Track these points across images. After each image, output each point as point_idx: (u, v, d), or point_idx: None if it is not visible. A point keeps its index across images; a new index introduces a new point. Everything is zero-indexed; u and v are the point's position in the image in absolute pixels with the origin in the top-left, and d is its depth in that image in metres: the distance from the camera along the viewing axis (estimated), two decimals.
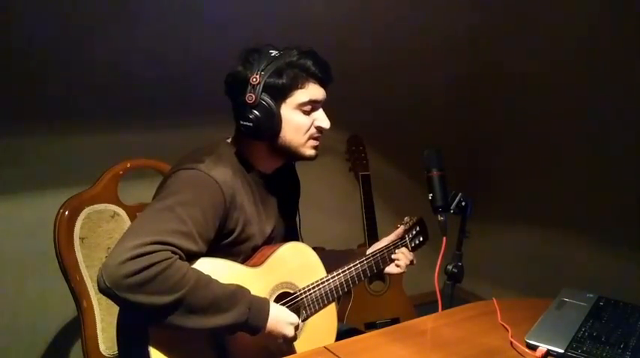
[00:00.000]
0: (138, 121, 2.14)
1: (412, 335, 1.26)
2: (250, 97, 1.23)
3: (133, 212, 1.51)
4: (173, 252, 1.08)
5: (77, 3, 1.94)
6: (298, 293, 1.33)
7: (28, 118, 1.94)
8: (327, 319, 1.41)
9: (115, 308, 1.33)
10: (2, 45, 1.86)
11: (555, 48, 2.62)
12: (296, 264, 1.36)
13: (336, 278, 1.40)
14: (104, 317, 1.42)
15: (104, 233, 1.46)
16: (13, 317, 1.99)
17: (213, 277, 1.14)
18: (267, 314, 1.17)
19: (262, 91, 1.24)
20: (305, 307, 1.33)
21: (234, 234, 1.26)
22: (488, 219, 2.76)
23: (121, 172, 1.51)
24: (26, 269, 1.98)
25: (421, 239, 1.60)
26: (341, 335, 1.43)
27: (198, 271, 1.12)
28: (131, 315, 1.15)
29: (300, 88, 1.27)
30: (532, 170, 2.82)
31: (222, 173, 1.23)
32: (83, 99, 2.03)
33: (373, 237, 2.30)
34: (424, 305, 2.24)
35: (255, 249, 1.33)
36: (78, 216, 1.41)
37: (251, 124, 1.24)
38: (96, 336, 1.41)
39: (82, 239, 1.41)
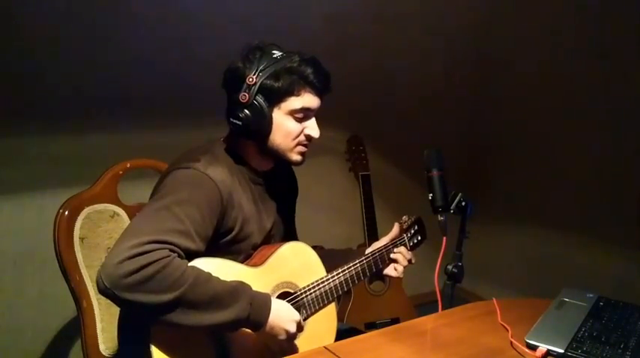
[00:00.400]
0: (138, 121, 2.14)
1: (412, 335, 1.26)
2: (244, 96, 1.24)
3: (132, 212, 1.51)
4: (171, 251, 1.08)
5: (77, 3, 1.94)
6: (299, 293, 1.33)
7: (28, 118, 1.94)
8: (327, 319, 1.41)
9: (115, 308, 1.33)
10: (2, 45, 1.85)
11: (556, 48, 2.62)
12: (296, 263, 1.37)
13: (336, 277, 1.40)
14: (104, 317, 1.42)
15: (104, 233, 1.46)
16: (13, 317, 1.98)
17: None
18: (269, 310, 1.17)
19: (257, 92, 1.24)
20: (305, 307, 1.33)
21: (233, 233, 1.26)
22: (488, 219, 2.76)
23: (120, 172, 1.51)
24: (26, 269, 1.98)
25: (419, 238, 1.60)
26: (341, 335, 1.43)
27: (198, 269, 1.12)
28: (132, 314, 1.15)
29: (296, 95, 1.26)
30: (532, 170, 2.82)
31: (219, 171, 1.23)
32: (83, 100, 2.03)
33: (373, 237, 2.30)
34: (424, 305, 2.24)
35: (255, 248, 1.33)
36: (78, 216, 1.41)
37: (240, 123, 1.25)
38: (96, 336, 1.41)
39: (81, 239, 1.41)
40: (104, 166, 1.51)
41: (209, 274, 1.12)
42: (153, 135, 2.14)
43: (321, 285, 1.37)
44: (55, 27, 1.92)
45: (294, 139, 1.31)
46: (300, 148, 1.33)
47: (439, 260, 1.38)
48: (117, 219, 1.49)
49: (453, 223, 1.37)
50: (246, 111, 1.24)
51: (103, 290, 1.03)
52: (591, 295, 1.40)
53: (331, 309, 1.42)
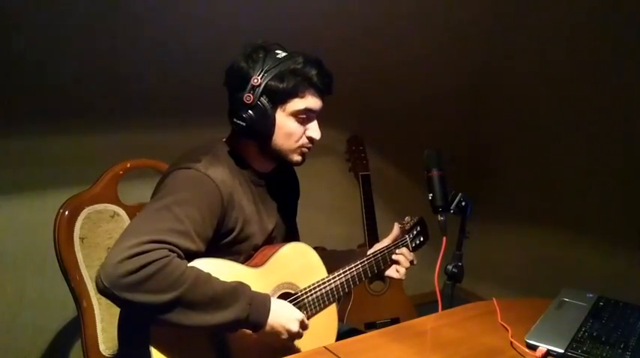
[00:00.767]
0: (138, 121, 2.14)
1: (412, 335, 1.26)
2: (248, 97, 1.23)
3: (132, 212, 1.51)
4: (170, 251, 1.08)
5: (77, 3, 1.94)
6: (299, 294, 1.33)
7: (28, 118, 1.94)
8: (327, 319, 1.41)
9: (115, 308, 1.33)
10: (2, 45, 1.85)
11: (556, 48, 2.62)
12: (297, 264, 1.36)
13: (337, 278, 1.40)
14: (104, 317, 1.42)
15: (104, 233, 1.46)
16: (14, 317, 1.98)
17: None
18: (269, 310, 1.17)
19: (261, 93, 1.24)
20: (306, 307, 1.33)
21: (234, 233, 1.26)
22: (488, 219, 2.76)
23: (121, 172, 1.51)
24: (26, 269, 1.98)
25: (422, 239, 1.60)
26: (341, 335, 1.43)
27: (198, 269, 1.12)
28: (132, 314, 1.15)
29: (299, 97, 1.27)
30: (532, 170, 2.82)
31: (220, 172, 1.23)
32: (83, 100, 2.03)
33: (373, 237, 2.30)
34: (424, 305, 2.24)
35: (256, 248, 1.33)
36: (78, 216, 1.41)
37: (244, 124, 1.25)
38: (96, 336, 1.41)
39: (82, 239, 1.41)
40: (104, 166, 1.51)
41: (208, 274, 1.12)
42: (153, 135, 2.14)
43: (322, 286, 1.37)
44: (55, 27, 1.92)
45: (297, 141, 1.31)
46: (302, 150, 1.33)
47: (439, 260, 1.38)
48: (117, 219, 1.49)
49: (453, 223, 1.37)
50: (250, 112, 1.24)
51: (103, 290, 1.03)
52: (591, 295, 1.41)
53: (332, 310, 1.42)
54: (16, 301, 1.99)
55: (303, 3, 2.41)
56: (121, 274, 1.01)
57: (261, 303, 1.17)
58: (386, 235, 1.58)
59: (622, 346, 1.15)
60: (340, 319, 1.48)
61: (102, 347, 1.41)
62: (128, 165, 1.52)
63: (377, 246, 1.54)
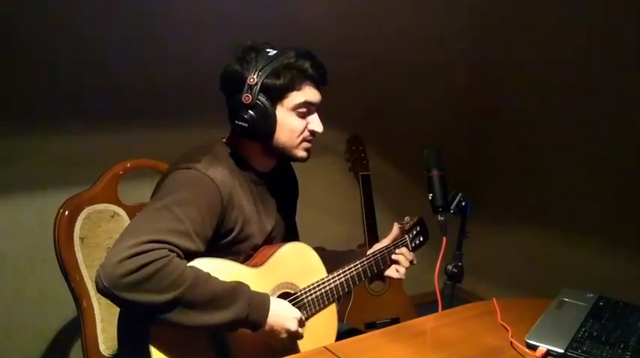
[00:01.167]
0: (138, 121, 2.14)
1: (412, 335, 1.26)
2: (247, 98, 1.23)
3: (132, 212, 1.51)
4: (170, 250, 1.08)
5: (77, 3, 1.94)
6: (299, 294, 1.33)
7: (28, 118, 1.94)
8: (327, 319, 1.41)
9: (115, 308, 1.33)
10: (2, 45, 1.86)
11: (555, 48, 2.62)
12: (297, 264, 1.36)
13: (337, 278, 1.40)
14: (104, 317, 1.42)
15: (104, 233, 1.46)
16: (13, 317, 1.99)
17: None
18: (268, 310, 1.17)
19: (259, 92, 1.24)
20: (305, 307, 1.33)
21: (234, 233, 1.26)
22: (488, 219, 2.76)
23: (121, 172, 1.51)
24: (26, 269, 1.98)
25: (421, 239, 1.60)
26: (341, 335, 1.43)
27: (197, 269, 1.12)
28: (132, 314, 1.15)
29: (297, 90, 1.27)
30: (532, 170, 2.82)
31: (219, 172, 1.23)
32: (83, 99, 2.03)
33: (373, 237, 2.30)
34: (424, 305, 2.24)
35: (256, 249, 1.33)
36: (78, 216, 1.41)
37: (246, 125, 1.24)
38: (96, 336, 1.41)
39: (82, 239, 1.41)
40: (104, 166, 1.51)
41: (208, 274, 1.12)
42: (153, 135, 2.14)
43: (321, 286, 1.37)
44: (55, 27, 1.92)
45: (299, 136, 1.31)
46: (305, 144, 1.33)
47: (439, 260, 1.38)
48: (117, 219, 1.49)
49: (453, 223, 1.37)
50: (251, 112, 1.24)
51: (102, 290, 1.03)
52: (591, 295, 1.40)
53: (331, 310, 1.42)
54: (16, 301, 1.99)
55: (304, 4, 2.41)
56: (121, 274, 1.01)
57: (261, 303, 1.17)
58: (386, 235, 1.58)
59: (622, 346, 1.15)
60: (340, 319, 1.49)
61: (102, 347, 1.41)
62: (128, 165, 1.52)
63: (376, 246, 1.54)
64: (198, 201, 1.17)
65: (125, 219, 1.50)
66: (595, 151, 2.49)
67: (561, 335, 1.19)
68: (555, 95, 2.65)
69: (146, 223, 1.11)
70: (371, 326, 2.32)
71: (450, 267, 1.40)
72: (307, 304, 1.34)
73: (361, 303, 2.32)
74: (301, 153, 1.33)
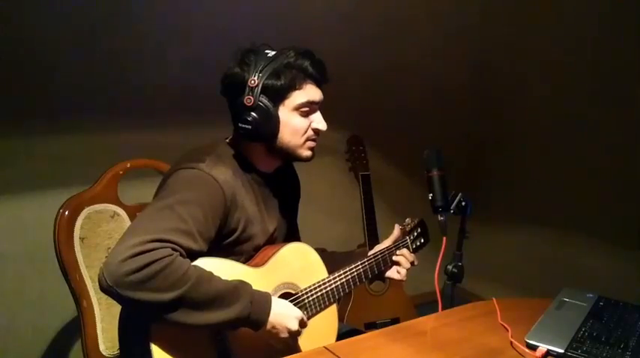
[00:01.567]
0: (138, 121, 2.14)
1: (412, 335, 1.26)
2: (249, 100, 1.23)
3: (133, 212, 1.51)
4: (173, 250, 1.08)
5: (77, 3, 1.94)
6: (300, 294, 1.33)
7: (28, 118, 1.94)
8: (327, 319, 1.41)
9: (116, 308, 1.34)
10: (2, 45, 1.85)
11: (556, 49, 2.62)
12: (298, 264, 1.36)
13: (338, 279, 1.40)
14: (104, 317, 1.42)
15: (104, 233, 1.46)
16: (13, 317, 1.98)
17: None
18: (269, 309, 1.17)
19: (260, 93, 1.24)
20: (306, 308, 1.33)
21: (236, 234, 1.26)
22: (488, 219, 2.76)
23: (121, 172, 1.51)
24: (26, 270, 1.98)
25: (422, 241, 1.59)
26: (341, 335, 1.44)
27: (200, 268, 1.12)
28: (133, 314, 1.15)
29: (298, 89, 1.27)
30: (532, 170, 2.82)
31: (223, 172, 1.23)
32: (83, 99, 2.03)
33: (373, 237, 2.30)
34: (424, 305, 2.24)
35: (258, 249, 1.33)
36: (78, 216, 1.41)
37: (249, 127, 1.24)
38: (96, 336, 1.41)
39: (82, 239, 1.41)
40: (104, 166, 1.51)
41: (211, 273, 1.13)
42: (153, 135, 2.13)
43: (322, 287, 1.37)
44: (55, 27, 1.92)
45: (303, 135, 1.31)
46: (310, 143, 1.33)
47: (439, 260, 1.38)
48: (117, 219, 1.49)
49: (453, 223, 1.37)
50: (253, 113, 1.24)
51: (106, 289, 1.03)
52: (591, 295, 1.41)
53: (332, 310, 1.42)
54: (16, 301, 1.99)
55: (304, 5, 2.41)
56: (125, 272, 1.01)
57: (263, 302, 1.17)
58: (386, 235, 1.58)
59: (622, 346, 1.15)
60: (340, 319, 1.49)
61: (102, 347, 1.42)
62: (128, 165, 1.52)
63: (377, 248, 1.54)
64: (202, 201, 1.17)
65: (125, 219, 1.50)
66: (595, 151, 2.49)
67: (561, 335, 1.19)
68: (555, 95, 2.65)
69: (149, 222, 1.11)
70: (371, 326, 2.31)
71: (450, 267, 1.41)
72: (308, 304, 1.34)
73: (361, 303, 2.32)
74: (306, 152, 1.33)
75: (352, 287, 1.43)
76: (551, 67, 2.65)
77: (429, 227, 1.62)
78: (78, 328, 1.41)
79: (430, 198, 1.38)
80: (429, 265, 1.46)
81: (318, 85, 1.30)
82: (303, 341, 1.30)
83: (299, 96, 1.27)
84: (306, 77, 1.27)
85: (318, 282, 1.37)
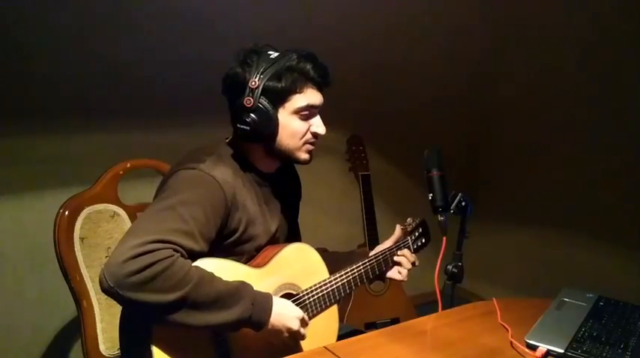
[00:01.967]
0: (138, 121, 2.14)
1: (412, 335, 1.26)
2: (248, 101, 1.23)
3: (133, 212, 1.51)
4: (175, 250, 1.08)
5: (77, 3, 1.94)
6: (301, 295, 1.33)
7: (28, 118, 1.94)
8: (328, 320, 1.41)
9: (116, 308, 1.34)
10: (2, 44, 1.85)
11: (556, 49, 2.62)
12: (299, 265, 1.36)
13: (339, 279, 1.40)
14: (104, 317, 1.42)
15: (104, 233, 1.46)
16: (13, 317, 1.99)
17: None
18: (271, 309, 1.17)
19: (260, 95, 1.23)
20: (307, 308, 1.33)
21: (237, 234, 1.26)
22: (488, 219, 2.76)
23: (121, 172, 1.51)
24: (26, 269, 1.98)
25: (423, 241, 1.59)
26: (341, 335, 1.44)
27: (201, 269, 1.12)
28: (134, 314, 1.15)
29: (299, 93, 1.26)
30: (532, 170, 2.82)
31: (223, 173, 1.23)
32: (83, 100, 2.03)
33: (373, 237, 2.30)
34: (424, 305, 2.24)
35: (259, 249, 1.33)
36: (78, 216, 1.41)
37: (248, 128, 1.24)
38: (96, 336, 1.41)
39: (82, 239, 1.41)
40: (104, 166, 1.51)
41: (212, 274, 1.12)
42: (153, 135, 2.14)
43: (323, 287, 1.37)
44: (55, 27, 1.92)
45: (301, 138, 1.31)
46: (308, 147, 1.33)
47: (439, 260, 1.38)
48: (117, 219, 1.49)
49: (453, 223, 1.37)
50: (253, 115, 1.24)
51: (107, 290, 1.03)
52: (591, 295, 1.41)
53: (333, 310, 1.42)
54: (16, 301, 1.99)
55: (304, 4, 2.41)
56: (126, 273, 1.01)
57: (264, 303, 1.17)
58: (386, 235, 1.58)
59: (622, 346, 1.15)
60: (340, 319, 1.48)
61: (102, 347, 1.42)
62: (128, 165, 1.52)
63: (379, 248, 1.54)
64: (203, 202, 1.17)
65: (125, 219, 1.50)
66: (595, 151, 2.49)
67: (561, 335, 1.19)
68: (555, 95, 2.65)
69: (150, 223, 1.11)
70: (371, 326, 2.31)
71: (450, 267, 1.41)
72: (309, 305, 1.34)
73: (361, 303, 2.32)
74: (304, 155, 1.33)
75: (353, 287, 1.43)
76: (551, 67, 2.66)
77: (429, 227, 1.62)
78: (78, 328, 1.41)
79: (430, 198, 1.38)
80: (429, 265, 1.46)
81: (319, 89, 1.30)
82: (303, 342, 1.30)
83: (299, 100, 1.27)
84: (308, 81, 1.27)
85: (320, 283, 1.37)
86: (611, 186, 2.43)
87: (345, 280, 1.41)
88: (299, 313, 1.23)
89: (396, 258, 1.51)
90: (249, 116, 1.24)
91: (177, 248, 1.09)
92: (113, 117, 2.09)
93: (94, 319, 1.41)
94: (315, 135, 1.32)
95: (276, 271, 1.30)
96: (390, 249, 1.51)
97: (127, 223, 1.50)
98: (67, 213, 1.39)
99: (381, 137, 2.73)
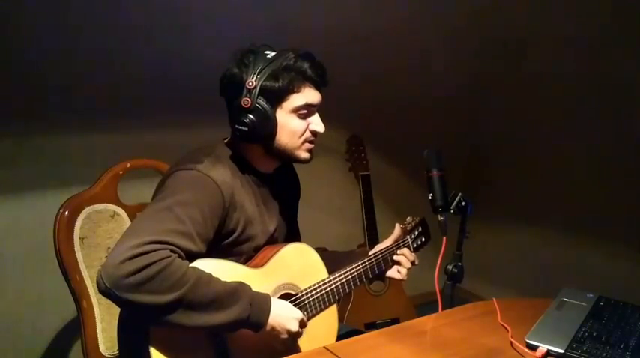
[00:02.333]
0: (138, 121, 2.14)
1: (412, 335, 1.26)
2: (246, 102, 1.23)
3: (133, 212, 1.51)
4: (172, 251, 1.08)
5: (77, 3, 1.94)
6: (300, 295, 1.33)
7: (28, 118, 1.94)
8: (328, 320, 1.41)
9: (115, 308, 1.33)
10: (1, 44, 1.85)
11: (555, 49, 2.62)
12: (298, 265, 1.36)
13: (338, 279, 1.40)
14: (104, 317, 1.42)
15: (104, 233, 1.46)
16: (13, 317, 1.98)
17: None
18: (269, 310, 1.17)
19: (258, 95, 1.23)
20: (306, 308, 1.33)
21: (235, 235, 1.26)
22: (488, 219, 2.76)
23: (121, 172, 1.51)
24: (26, 269, 1.98)
25: (423, 240, 1.59)
26: (341, 335, 1.43)
27: (199, 270, 1.12)
28: (133, 315, 1.15)
29: (296, 92, 1.26)
30: (532, 170, 2.82)
31: (221, 173, 1.23)
32: (83, 99, 2.03)
33: (373, 237, 2.30)
34: (424, 305, 2.24)
35: (258, 250, 1.33)
36: (78, 216, 1.41)
37: (246, 129, 1.24)
38: (96, 336, 1.41)
39: (82, 239, 1.41)
40: (104, 166, 1.51)
41: (210, 275, 1.12)
42: (153, 135, 2.13)
43: (322, 287, 1.37)
44: (54, 27, 1.92)
45: (300, 137, 1.30)
46: (307, 145, 1.33)
47: (439, 260, 1.38)
48: (117, 219, 1.49)
49: (453, 223, 1.37)
50: (250, 115, 1.24)
51: (104, 291, 1.03)
52: (591, 295, 1.41)
53: (332, 310, 1.42)
54: (16, 301, 1.99)
55: (304, 4, 2.41)
56: (123, 274, 1.01)
57: (262, 303, 1.17)
58: (386, 235, 1.58)
59: (622, 346, 1.15)
60: (340, 319, 1.48)
61: (102, 347, 1.42)
62: (128, 165, 1.52)
63: (378, 247, 1.53)
64: (200, 202, 1.17)
65: (125, 219, 1.50)
66: (595, 151, 2.49)
67: (561, 335, 1.19)
68: (555, 95, 2.65)
69: (148, 224, 1.11)
70: (371, 326, 2.31)
71: (450, 267, 1.41)
72: (308, 305, 1.34)
73: (361, 303, 2.32)
74: (304, 154, 1.33)
75: (353, 287, 1.43)
76: (551, 66, 2.65)
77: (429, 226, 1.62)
78: (78, 328, 1.41)
79: (430, 198, 1.38)
80: (429, 265, 1.46)
81: (317, 87, 1.30)
82: (303, 342, 1.30)
83: (297, 99, 1.27)
84: (305, 80, 1.27)
85: (319, 283, 1.37)
86: (612, 186, 2.43)
87: (345, 280, 1.41)
88: (298, 314, 1.23)
89: (395, 257, 1.51)
90: (247, 116, 1.24)
91: (175, 249, 1.09)
92: (113, 117, 2.09)
93: (94, 319, 1.41)
94: (314, 133, 1.32)
95: (274, 271, 1.30)
96: (389, 248, 1.51)
97: (127, 223, 1.50)
98: (67, 213, 1.39)
99: (381, 137, 2.73)
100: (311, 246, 1.43)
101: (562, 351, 1.13)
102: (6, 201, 1.95)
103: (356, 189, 2.37)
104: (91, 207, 1.44)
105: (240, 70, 1.25)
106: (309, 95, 1.28)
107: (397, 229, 1.56)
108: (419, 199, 1.73)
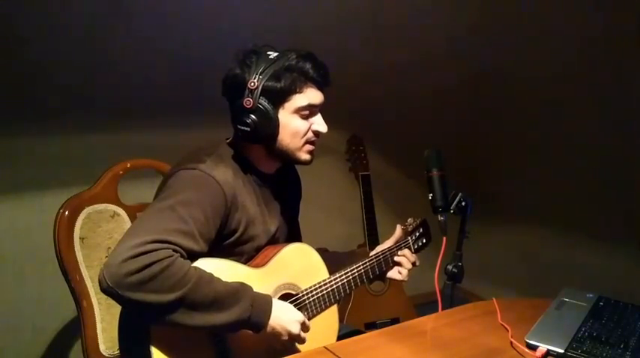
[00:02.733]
0: (138, 121, 2.14)
1: (412, 335, 1.26)
2: (248, 102, 1.23)
3: (133, 212, 1.51)
4: (174, 251, 1.08)
5: (78, 3, 1.94)
6: (301, 295, 1.33)
7: (28, 118, 1.94)
8: (328, 320, 1.41)
9: (115, 308, 1.34)
10: (1, 44, 1.85)
11: (555, 49, 2.62)
12: (299, 265, 1.36)
13: (339, 279, 1.40)
14: (104, 317, 1.42)
15: (104, 233, 1.46)
16: (13, 317, 1.98)
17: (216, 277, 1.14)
18: (270, 312, 1.17)
19: (260, 96, 1.23)
20: (307, 308, 1.33)
21: (237, 234, 1.26)
22: (488, 219, 2.76)
23: (121, 172, 1.51)
24: (26, 269, 1.98)
25: (424, 241, 1.59)
26: (341, 335, 1.43)
27: (201, 269, 1.12)
28: (134, 314, 1.15)
29: (299, 92, 1.26)
30: (532, 170, 2.82)
31: (223, 173, 1.23)
32: (83, 99, 2.03)
33: (373, 237, 2.30)
34: (424, 305, 2.24)
35: (259, 249, 1.33)
36: (78, 216, 1.41)
37: (248, 129, 1.24)
38: (96, 336, 1.41)
39: (82, 239, 1.41)
40: (104, 166, 1.51)
41: (211, 275, 1.12)
42: (153, 135, 2.14)
43: (323, 287, 1.37)
44: (54, 27, 1.92)
45: (302, 137, 1.30)
46: (309, 146, 1.33)
47: (439, 260, 1.38)
48: (117, 219, 1.49)
49: (453, 223, 1.37)
50: (252, 116, 1.24)
51: (106, 289, 1.03)
52: (591, 295, 1.41)
53: (332, 310, 1.42)
54: (16, 301, 1.99)
55: (304, 4, 2.41)
56: (125, 273, 1.01)
57: (263, 304, 1.17)
58: (386, 235, 1.58)
59: (622, 346, 1.15)
60: (340, 319, 1.48)
61: (102, 347, 1.42)
62: (128, 165, 1.53)
63: (379, 248, 1.53)
64: (202, 202, 1.17)
65: (125, 219, 1.50)
66: (595, 151, 2.49)
67: (561, 335, 1.19)
68: (555, 95, 2.65)
69: (150, 223, 1.11)
70: (371, 326, 2.32)
71: (450, 267, 1.41)
72: (309, 305, 1.34)
73: (361, 303, 2.32)
74: (305, 156, 1.33)
75: (353, 287, 1.42)
76: (551, 66, 2.65)
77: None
78: (78, 328, 1.41)
79: (430, 198, 1.38)
80: (429, 265, 1.46)
81: (320, 87, 1.30)
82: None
83: (299, 100, 1.27)
84: (307, 80, 1.27)
85: (319, 283, 1.37)
86: (612, 186, 2.43)
87: (345, 280, 1.40)
88: (299, 317, 1.23)
89: (396, 258, 1.51)
90: (249, 117, 1.24)
91: (177, 248, 1.09)
92: (113, 117, 2.10)
93: (94, 319, 1.41)
94: (316, 133, 1.32)
95: (275, 271, 1.30)
96: (390, 248, 1.51)
97: (127, 223, 1.50)
98: (67, 213, 1.39)
99: (381, 137, 2.73)
100: (311, 246, 1.42)
101: (562, 351, 1.13)
102: (6, 201, 1.95)
103: (356, 189, 2.38)
104: (91, 207, 1.44)
105: (242, 70, 1.25)
106: (311, 95, 1.28)
107: (398, 230, 1.56)
108: (419, 199, 1.73)
